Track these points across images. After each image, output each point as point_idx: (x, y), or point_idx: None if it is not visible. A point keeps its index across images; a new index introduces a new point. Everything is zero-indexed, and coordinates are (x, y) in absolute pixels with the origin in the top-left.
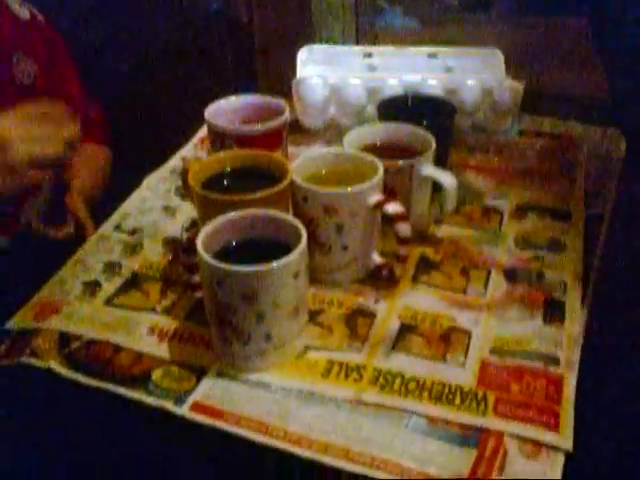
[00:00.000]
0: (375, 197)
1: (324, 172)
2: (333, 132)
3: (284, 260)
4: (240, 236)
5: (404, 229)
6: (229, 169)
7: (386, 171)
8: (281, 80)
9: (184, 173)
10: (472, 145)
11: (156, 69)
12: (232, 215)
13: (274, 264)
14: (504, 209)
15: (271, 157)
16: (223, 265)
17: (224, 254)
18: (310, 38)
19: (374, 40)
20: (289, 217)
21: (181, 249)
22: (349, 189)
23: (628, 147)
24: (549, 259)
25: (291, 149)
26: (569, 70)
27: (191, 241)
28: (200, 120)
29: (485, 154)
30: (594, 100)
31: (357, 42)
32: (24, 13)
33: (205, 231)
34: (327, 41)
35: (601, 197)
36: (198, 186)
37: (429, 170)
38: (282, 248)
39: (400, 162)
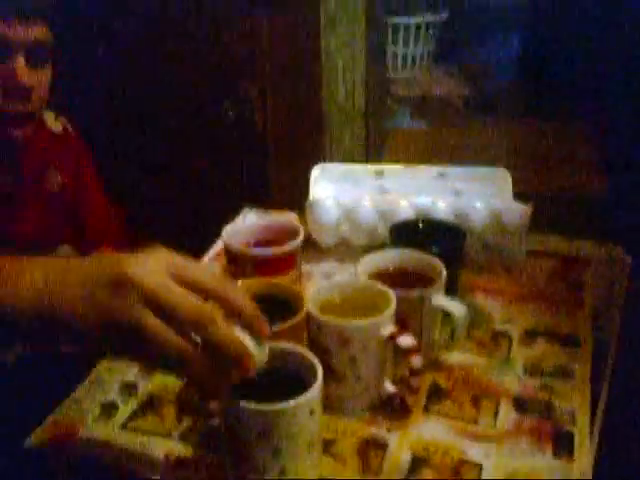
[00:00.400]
0: (388, 329)
1: (338, 300)
2: (345, 250)
3: (301, 399)
4: (257, 368)
5: (416, 362)
6: None
7: (398, 300)
8: (293, 190)
9: None
10: (481, 265)
11: (172, 177)
12: None
13: (291, 402)
14: (513, 334)
15: (287, 288)
16: (241, 402)
17: (241, 386)
18: (321, 142)
19: (383, 142)
20: (305, 352)
21: None
22: (363, 321)
23: (633, 267)
24: (558, 388)
25: (304, 266)
26: (572, 174)
27: None
28: (217, 231)
29: (493, 275)
30: (596, 206)
31: (366, 144)
32: (57, 127)
33: None
34: (337, 144)
35: (608, 320)
36: None
37: (440, 300)
38: (298, 381)
39: (413, 293)
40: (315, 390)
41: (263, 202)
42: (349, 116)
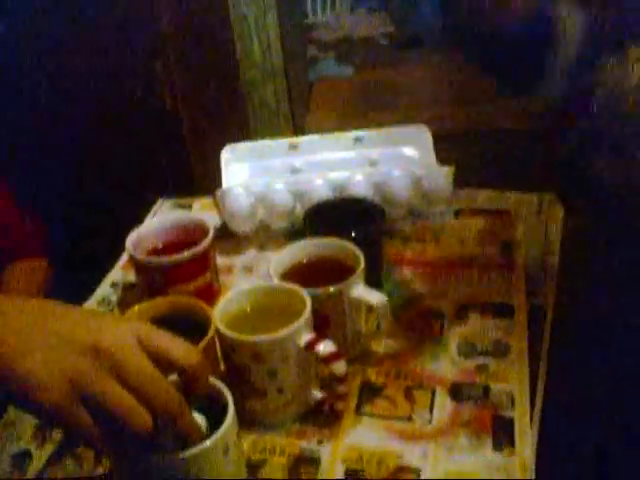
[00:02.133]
0: (305, 338)
1: (249, 309)
2: (264, 235)
3: (207, 442)
4: None
5: (339, 369)
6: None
7: (316, 297)
8: (219, 170)
9: None
10: (408, 235)
11: (89, 176)
12: None
13: (193, 450)
14: (445, 310)
15: (192, 304)
16: (144, 453)
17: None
18: (242, 107)
19: (309, 94)
20: (215, 382)
21: None
22: (276, 334)
23: (566, 212)
24: (494, 367)
25: (223, 259)
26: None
27: None
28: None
29: (421, 244)
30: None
31: (290, 101)
32: None
33: None
34: (262, 107)
35: (543, 283)
36: None
37: (359, 292)
38: (215, 415)
39: (329, 289)
40: (223, 430)
41: (186, 189)
42: (269, 74)
